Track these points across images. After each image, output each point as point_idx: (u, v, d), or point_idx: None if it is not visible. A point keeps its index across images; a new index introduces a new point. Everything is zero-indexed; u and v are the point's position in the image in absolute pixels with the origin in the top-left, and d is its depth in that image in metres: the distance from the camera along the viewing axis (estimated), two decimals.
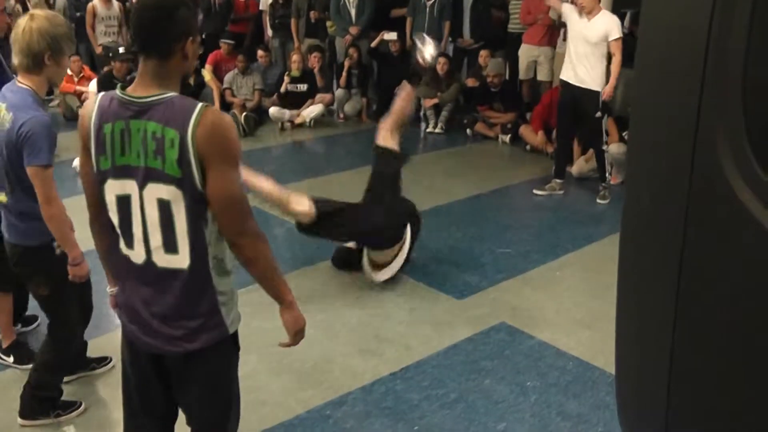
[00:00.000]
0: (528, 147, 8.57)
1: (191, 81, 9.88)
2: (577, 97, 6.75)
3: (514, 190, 7.38)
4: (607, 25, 6.49)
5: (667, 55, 1.84)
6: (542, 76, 9.42)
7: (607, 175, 6.91)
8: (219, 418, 2.58)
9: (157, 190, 2.23)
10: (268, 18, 11.32)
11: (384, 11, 10.37)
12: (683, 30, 1.79)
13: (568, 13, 6.78)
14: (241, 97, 9.84)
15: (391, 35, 10.02)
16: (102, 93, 2.33)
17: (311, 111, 9.70)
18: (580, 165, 7.52)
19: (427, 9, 9.93)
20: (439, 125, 9.54)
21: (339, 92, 10.13)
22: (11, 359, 4.12)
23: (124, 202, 2.30)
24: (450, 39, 10.24)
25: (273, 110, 9.66)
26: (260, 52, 10.43)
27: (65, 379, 3.76)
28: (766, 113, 1.72)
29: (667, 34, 1.84)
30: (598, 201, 6.85)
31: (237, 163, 2.26)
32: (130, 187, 2.27)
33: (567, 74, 6.82)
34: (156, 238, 2.29)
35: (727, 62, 1.69)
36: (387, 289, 5.10)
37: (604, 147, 6.86)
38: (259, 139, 9.32)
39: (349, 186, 7.02)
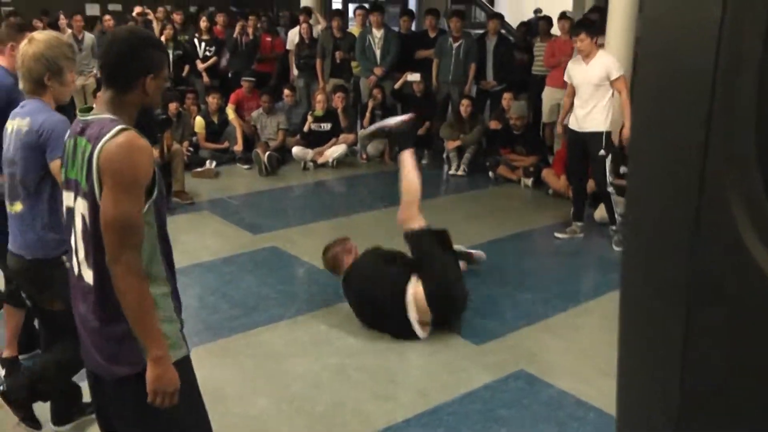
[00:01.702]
0: (550, 191, 8.51)
1: (215, 119, 9.99)
2: (584, 141, 6.79)
3: (535, 235, 7.32)
4: (606, 65, 6.60)
5: (668, 88, 1.67)
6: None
7: (616, 217, 6.85)
8: None
9: (80, 204, 2.34)
10: (293, 58, 11.42)
11: (409, 52, 10.42)
12: (686, 56, 1.60)
13: (570, 67, 6.92)
14: (266, 137, 9.89)
15: (414, 76, 10.06)
16: None
17: (334, 151, 9.72)
18: (602, 210, 7.45)
19: (453, 51, 9.97)
20: (462, 167, 9.52)
21: (362, 132, 10.14)
22: (3, 372, 4.12)
23: (69, 213, 2.43)
24: (473, 81, 10.28)
25: (296, 150, 9.70)
26: (286, 91, 10.51)
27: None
28: None
29: (666, 62, 1.66)
30: (614, 247, 6.76)
31: (130, 188, 2.24)
32: (71, 199, 2.40)
33: (572, 122, 6.91)
34: (81, 252, 2.38)
35: (737, 99, 1.51)
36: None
37: (610, 189, 6.81)
38: (282, 178, 9.34)
39: (371, 227, 7.03)
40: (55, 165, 3.16)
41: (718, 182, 1.56)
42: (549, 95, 9.53)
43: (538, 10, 18.92)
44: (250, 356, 4.68)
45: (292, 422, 3.99)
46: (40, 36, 3.34)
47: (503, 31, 10.93)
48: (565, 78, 7.03)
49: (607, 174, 6.75)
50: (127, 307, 2.26)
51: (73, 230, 2.40)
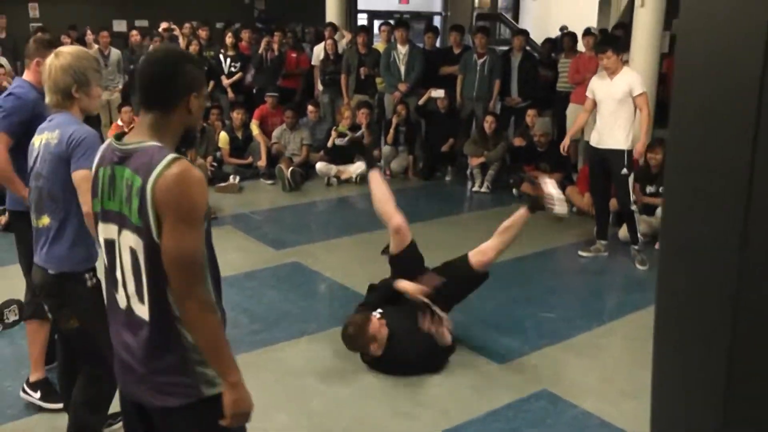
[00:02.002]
0: (574, 209, 8.44)
1: (239, 135, 10.03)
2: (604, 159, 6.72)
3: (559, 253, 7.26)
4: (630, 81, 6.55)
5: (710, 105, 1.59)
6: (589, 137, 9.33)
7: (639, 236, 6.77)
8: None
9: (128, 238, 2.24)
10: (318, 73, 11.46)
11: (433, 69, 10.42)
12: (730, 71, 1.52)
13: (594, 81, 6.88)
14: (289, 152, 9.92)
15: (438, 92, 10.05)
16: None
17: (358, 167, 9.71)
18: (625, 228, 7.38)
19: (478, 67, 9.96)
20: (485, 184, 9.48)
21: (386, 149, 10.15)
22: (38, 395, 4.08)
23: (110, 246, 2.33)
24: (498, 97, 10.25)
25: (320, 165, 9.71)
26: (310, 107, 10.54)
27: None
28: None
29: (707, 77, 1.59)
30: (637, 266, 6.69)
31: (193, 222, 2.17)
32: (113, 231, 2.29)
33: (593, 139, 6.85)
34: (131, 286, 2.28)
35: None
36: None
37: (633, 207, 6.74)
38: (305, 193, 9.35)
39: None
40: (77, 175, 3.14)
41: (765, 199, 1.52)
42: (573, 112, 9.44)
43: (563, 28, 18.85)
44: (270, 371, 4.66)
45: None
46: (67, 49, 3.36)
47: (528, 48, 10.90)
48: (587, 93, 6.97)
49: (630, 193, 6.68)
50: (201, 339, 2.24)
51: (118, 264, 2.31)
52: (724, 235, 1.63)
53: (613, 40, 6.82)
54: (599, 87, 6.75)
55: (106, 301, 2.47)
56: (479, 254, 5.13)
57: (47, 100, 3.34)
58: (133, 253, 2.23)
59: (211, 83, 11.25)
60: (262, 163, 9.89)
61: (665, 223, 1.89)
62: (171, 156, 2.17)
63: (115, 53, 11.46)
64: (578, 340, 5.25)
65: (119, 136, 2.30)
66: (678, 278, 1.83)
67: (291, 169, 9.39)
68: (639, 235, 6.78)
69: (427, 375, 4.67)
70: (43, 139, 3.29)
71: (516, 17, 23.04)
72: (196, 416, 2.32)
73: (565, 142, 7.18)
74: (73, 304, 3.34)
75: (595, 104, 6.81)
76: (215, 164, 9.57)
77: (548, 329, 5.39)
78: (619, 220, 7.41)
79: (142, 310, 2.27)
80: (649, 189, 7.39)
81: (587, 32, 10.01)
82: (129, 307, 2.31)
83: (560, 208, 5.49)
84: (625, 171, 6.62)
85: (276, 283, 6.19)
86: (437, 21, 21.62)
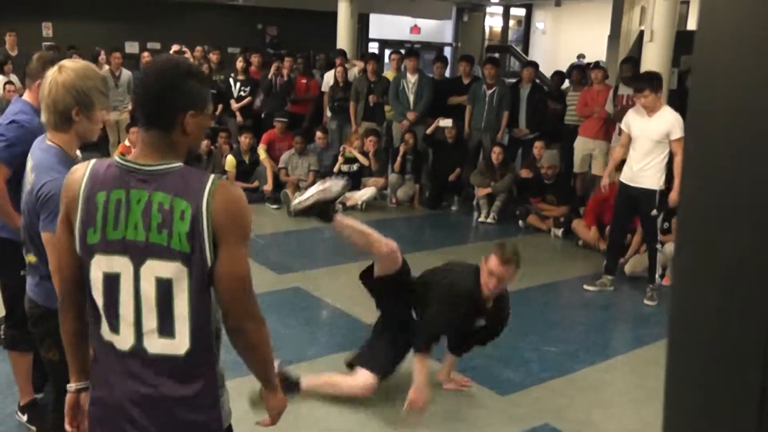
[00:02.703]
0: (580, 242, 8.39)
1: (246, 159, 10.01)
2: (634, 197, 6.60)
3: (564, 286, 7.19)
4: (669, 122, 6.31)
5: (736, 146, 1.56)
6: (597, 170, 9.31)
7: (657, 276, 6.69)
8: None
9: (158, 268, 2.04)
10: (327, 100, 11.48)
11: (441, 98, 10.43)
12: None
13: (631, 117, 6.67)
14: (295, 177, 9.90)
15: (446, 122, 10.04)
16: (96, 159, 2.18)
17: (363, 194, 9.68)
18: (633, 263, 7.32)
19: (487, 97, 9.96)
20: (492, 215, 9.43)
21: (393, 177, 10.13)
22: (25, 417, 4.07)
23: (112, 280, 2.08)
24: (506, 129, 10.24)
25: None
26: (319, 134, 10.53)
27: None
28: None
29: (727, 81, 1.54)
30: (646, 302, 6.62)
31: (248, 240, 2.12)
32: (121, 263, 2.07)
33: (625, 175, 6.66)
34: (150, 321, 2.07)
35: None
36: None
37: (659, 246, 6.66)
38: (310, 219, 9.26)
39: None
40: (44, 236, 2.82)
41: None
42: (581, 145, 9.45)
43: (581, 56, 18.94)
44: None
45: None
46: (72, 64, 2.95)
47: (537, 81, 10.91)
48: (623, 125, 6.77)
49: (658, 232, 6.60)
50: (259, 359, 2.22)
51: (126, 300, 2.09)
52: (749, 252, 1.52)
53: (650, 78, 6.52)
54: (636, 123, 6.54)
55: (93, 351, 2.25)
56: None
57: (43, 118, 2.98)
58: (165, 283, 2.04)
59: (220, 107, 11.28)
60: (268, 187, 9.86)
61: (682, 253, 1.79)
62: (213, 176, 2.07)
63: (125, 74, 11.51)
64: (582, 374, 5.16)
65: (125, 156, 2.12)
66: (706, 310, 1.73)
67: (296, 194, 9.35)
68: (657, 275, 6.69)
69: (429, 406, 4.58)
70: (27, 174, 3.04)
71: (526, 50, 23.14)
72: None
73: (604, 181, 6.99)
74: (56, 335, 3.23)
75: (630, 139, 6.61)
76: None
77: (552, 362, 5.31)
78: (624, 253, 7.35)
79: (166, 346, 2.09)
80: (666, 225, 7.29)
81: (596, 66, 10.01)
82: (140, 347, 2.11)
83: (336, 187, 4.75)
84: (654, 212, 6.53)
85: (276, 307, 6.13)
86: (448, 51, 21.72)
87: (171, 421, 2.13)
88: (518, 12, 24.50)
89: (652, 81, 6.47)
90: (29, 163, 3.03)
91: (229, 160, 9.89)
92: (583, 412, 4.64)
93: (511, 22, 24.70)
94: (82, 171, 2.13)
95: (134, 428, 2.13)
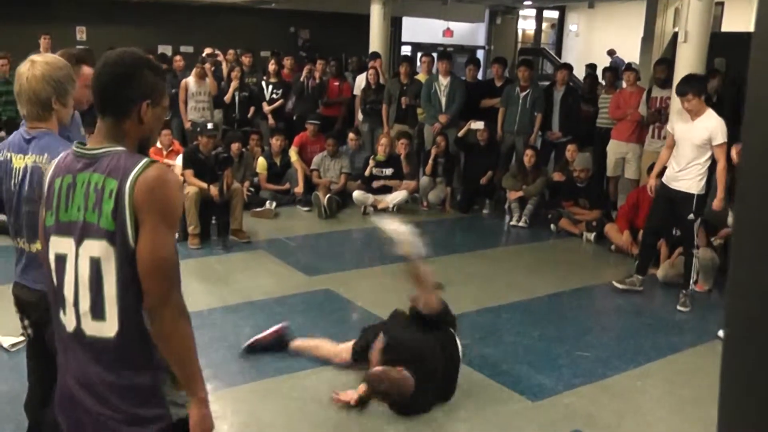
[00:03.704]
0: (612, 247, 8.30)
1: (277, 161, 10.04)
2: (672, 200, 6.50)
3: (596, 291, 7.10)
4: (712, 128, 6.20)
5: None
6: (630, 174, 9.22)
7: (691, 282, 6.59)
8: None
9: (90, 247, 2.09)
10: (359, 103, 11.47)
11: (474, 101, 10.38)
12: None
13: (675, 119, 6.60)
14: (327, 179, 9.91)
15: (478, 124, 9.98)
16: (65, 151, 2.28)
17: (395, 197, 9.66)
18: (665, 269, 7.21)
19: (520, 100, 9.90)
20: (523, 219, 9.36)
21: (424, 180, 10.10)
22: None
23: (60, 261, 2.16)
24: (539, 132, 10.17)
25: (357, 194, 9.67)
26: (351, 135, 10.53)
27: None
28: None
29: None
30: (679, 308, 6.52)
31: (172, 224, 2.14)
32: (67, 245, 2.14)
33: (665, 176, 6.57)
34: (85, 302, 2.11)
35: None
36: None
37: (695, 251, 6.56)
38: (341, 221, 9.31)
39: None
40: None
41: None
42: (614, 149, 9.36)
43: (612, 51, 18.77)
44: (294, 399, 4.58)
45: None
46: (42, 58, 3.16)
47: (571, 84, 10.82)
48: (668, 127, 6.70)
49: (695, 237, 6.52)
50: (174, 351, 2.13)
51: (68, 280, 2.14)
52: None
53: (693, 81, 6.40)
54: (678, 127, 6.45)
55: (55, 333, 2.28)
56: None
57: (23, 111, 3.15)
58: (95, 263, 2.09)
59: (252, 109, 11.32)
60: (299, 189, 9.88)
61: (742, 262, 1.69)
62: (147, 159, 2.12)
63: None
64: (614, 380, 5.09)
65: (82, 144, 2.20)
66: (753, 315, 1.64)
67: (328, 196, 9.37)
68: (692, 281, 6.59)
69: (456, 410, 4.55)
70: (28, 162, 3.12)
71: (559, 52, 23.00)
72: None
73: (651, 183, 6.81)
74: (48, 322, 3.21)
75: (674, 141, 6.50)
76: (252, 189, 9.59)
77: (583, 368, 5.24)
78: (657, 260, 7.25)
79: (100, 328, 2.12)
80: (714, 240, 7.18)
81: (628, 68, 9.89)
82: (78, 329, 2.15)
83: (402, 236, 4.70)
84: (692, 216, 6.43)
85: (306, 309, 6.13)
86: (480, 54, 21.64)
87: (111, 408, 2.13)
88: (551, 14, 24.38)
89: (695, 84, 6.35)
90: (29, 156, 3.12)
91: (261, 163, 9.92)
92: (614, 419, 4.58)
93: (544, 25, 24.59)
94: (54, 161, 2.27)
95: (85, 414, 2.16)
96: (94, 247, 2.08)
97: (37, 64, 3.10)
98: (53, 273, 2.19)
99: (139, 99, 2.13)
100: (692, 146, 6.29)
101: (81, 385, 2.16)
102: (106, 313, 2.10)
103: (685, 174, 6.36)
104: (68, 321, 2.17)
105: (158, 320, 2.09)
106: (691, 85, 6.33)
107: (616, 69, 10.59)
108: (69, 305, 2.15)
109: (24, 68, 3.11)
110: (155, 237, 2.06)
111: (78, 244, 2.11)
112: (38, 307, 3.28)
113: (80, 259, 2.11)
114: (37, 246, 3.13)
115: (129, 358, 2.13)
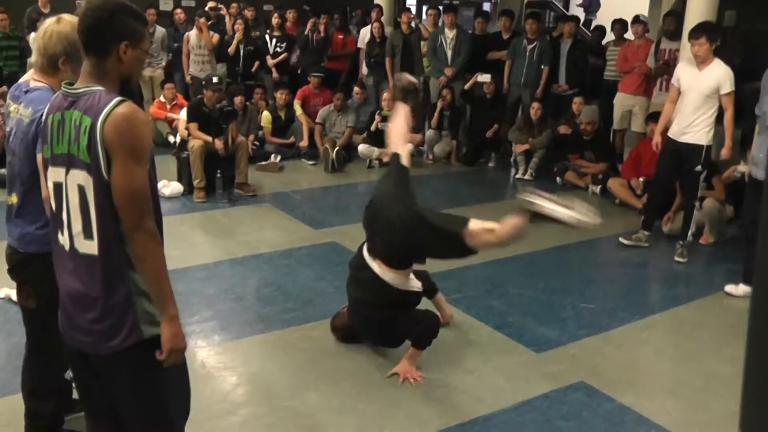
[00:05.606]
0: (617, 200, 8.28)
1: (282, 115, 9.99)
2: (680, 152, 6.46)
3: (601, 244, 7.11)
4: (720, 76, 6.14)
5: None
6: (636, 127, 9.15)
7: (689, 233, 6.58)
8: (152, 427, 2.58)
9: (76, 176, 2.34)
10: (363, 56, 11.38)
11: (481, 54, 10.29)
12: None
13: (680, 69, 6.53)
14: (334, 134, 9.86)
15: (485, 77, 9.92)
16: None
17: None
18: (670, 222, 7.21)
19: (527, 52, 9.81)
20: (529, 172, 9.35)
21: (429, 133, 10.06)
22: None
23: (58, 189, 2.43)
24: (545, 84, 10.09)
25: (362, 147, 9.64)
26: (356, 89, 10.46)
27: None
28: None
29: None
30: (676, 258, 6.53)
31: (142, 158, 2.32)
32: (61, 174, 2.39)
33: (672, 130, 6.51)
34: (77, 224, 2.38)
35: None
36: (460, 336, 4.92)
37: (696, 203, 6.54)
38: (346, 175, 9.30)
39: None
40: (40, 157, 2.88)
41: None
42: (620, 101, 9.28)
43: None
44: (302, 350, 4.62)
45: (341, 420, 3.91)
46: (71, 18, 3.10)
47: (578, 36, 10.70)
48: (672, 80, 6.62)
49: (698, 189, 6.49)
50: (146, 271, 2.36)
51: (64, 205, 2.41)
52: None
53: (708, 27, 6.30)
54: (686, 76, 6.37)
55: (53, 252, 2.54)
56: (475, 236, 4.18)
57: (32, 58, 3.21)
58: (82, 190, 2.34)
59: (256, 63, 11.23)
60: (304, 143, 9.84)
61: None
62: (118, 98, 2.31)
63: (159, 31, 11.48)
64: (618, 332, 5.12)
65: (71, 84, 2.41)
66: None
67: (336, 149, 9.33)
68: (689, 232, 6.58)
69: (461, 361, 4.59)
70: (18, 113, 3.15)
71: (566, 5, 22.70)
72: (137, 358, 2.41)
73: (656, 139, 6.75)
74: (36, 283, 3.20)
75: (679, 93, 6.44)
76: (257, 143, 9.57)
77: (587, 320, 5.27)
78: (662, 213, 7.24)
79: (89, 246, 2.37)
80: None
81: (636, 20, 9.78)
82: (73, 248, 2.41)
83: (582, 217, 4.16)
84: (699, 168, 6.38)
85: (312, 262, 6.15)
86: (487, 7, 21.37)
87: (94, 317, 2.40)
88: None
89: (710, 30, 6.28)
90: (19, 106, 3.17)
91: (265, 116, 9.88)
92: (619, 370, 4.61)
93: None
94: (51, 99, 2.54)
95: (74, 323, 2.46)
96: (79, 176, 2.34)
97: (62, 22, 3.11)
98: (52, 199, 2.46)
99: (118, 40, 2.35)
100: (699, 95, 6.23)
101: (70, 297, 2.46)
102: (93, 233, 2.36)
103: (694, 126, 6.30)
104: (65, 241, 2.44)
105: (132, 244, 2.34)
106: (705, 29, 6.27)
107: (625, 22, 10.38)
108: (65, 227, 2.42)
109: (50, 21, 3.14)
110: (125, 171, 2.28)
111: (67, 173, 2.37)
112: (9, 264, 3.30)
113: (70, 187, 2.38)
114: (12, 199, 3.24)
115: (110, 275, 2.37)
